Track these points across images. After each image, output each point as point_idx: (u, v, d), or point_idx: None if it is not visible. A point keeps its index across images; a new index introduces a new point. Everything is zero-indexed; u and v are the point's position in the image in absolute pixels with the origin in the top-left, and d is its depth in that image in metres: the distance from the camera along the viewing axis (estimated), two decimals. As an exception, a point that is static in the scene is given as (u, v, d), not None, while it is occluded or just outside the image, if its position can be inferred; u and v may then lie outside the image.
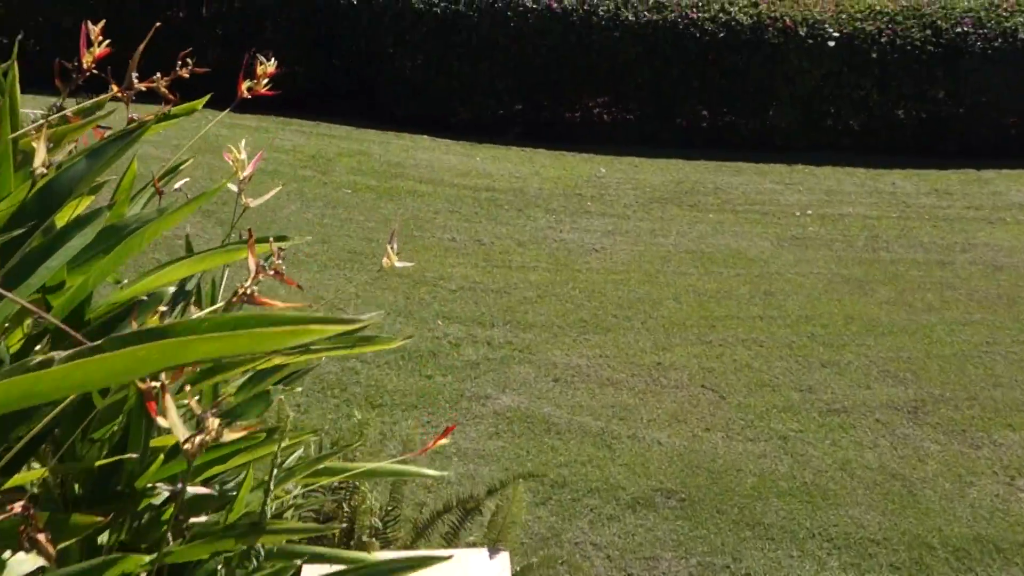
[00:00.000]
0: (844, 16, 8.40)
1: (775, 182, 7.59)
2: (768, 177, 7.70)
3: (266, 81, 1.85)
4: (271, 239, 1.52)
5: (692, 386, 4.31)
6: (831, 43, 8.27)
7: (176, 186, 1.74)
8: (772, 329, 4.95)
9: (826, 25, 8.31)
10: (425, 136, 7.92)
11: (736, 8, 8.31)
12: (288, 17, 7.95)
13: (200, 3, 7.86)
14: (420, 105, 8.32)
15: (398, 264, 1.85)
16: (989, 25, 8.42)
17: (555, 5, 8.11)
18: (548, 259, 5.57)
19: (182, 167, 1.92)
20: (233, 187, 1.70)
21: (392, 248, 1.86)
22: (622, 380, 4.30)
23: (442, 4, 8.03)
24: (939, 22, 8.43)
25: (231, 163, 1.78)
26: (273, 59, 1.82)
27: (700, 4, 8.31)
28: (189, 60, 1.41)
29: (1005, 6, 8.62)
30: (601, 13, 8.15)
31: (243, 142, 1.82)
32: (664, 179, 7.43)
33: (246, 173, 1.80)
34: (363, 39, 8.12)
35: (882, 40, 8.33)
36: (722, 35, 8.22)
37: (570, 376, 4.28)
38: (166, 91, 1.35)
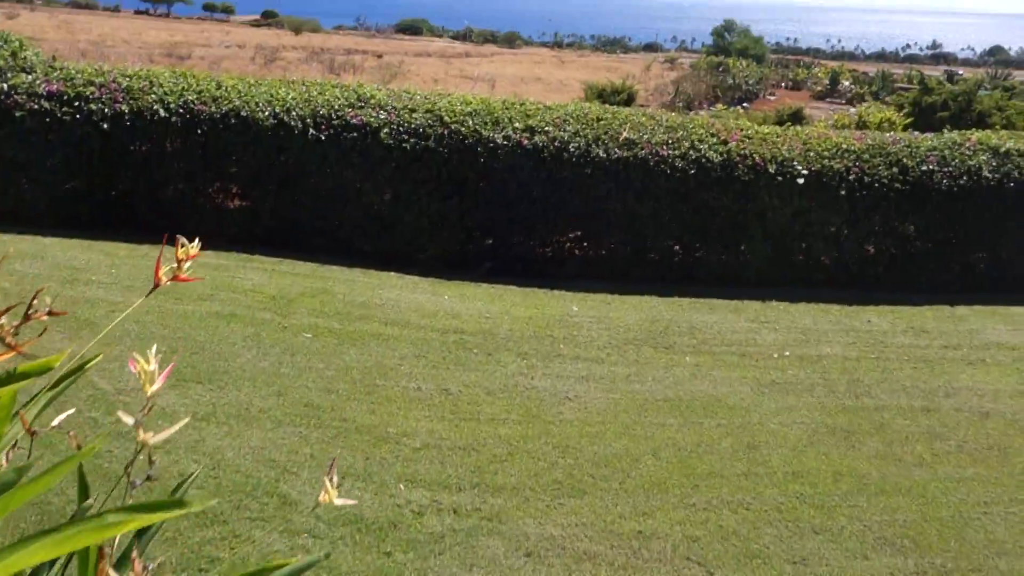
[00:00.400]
0: (812, 154, 8.46)
1: (750, 320, 7.41)
2: (743, 315, 7.54)
3: (186, 267, 1.59)
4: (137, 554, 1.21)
5: (676, 559, 3.95)
6: (800, 180, 8.29)
7: (55, 423, 1.42)
8: (758, 489, 4.63)
9: (795, 163, 8.34)
10: (392, 273, 7.71)
11: (706, 146, 8.33)
12: (254, 153, 7.82)
13: (163, 138, 7.72)
14: (388, 241, 8.15)
15: (338, 501, 1.54)
16: (954, 163, 8.51)
17: (526, 142, 8.08)
18: (519, 410, 5.26)
19: (90, 364, 1.60)
20: (128, 419, 1.39)
21: (331, 481, 1.56)
22: (600, 553, 3.93)
23: (412, 140, 7.97)
24: (905, 160, 8.51)
25: (137, 374, 1.48)
26: (195, 239, 1.56)
27: (670, 142, 8.33)
28: (48, 299, 1.14)
29: (968, 145, 8.74)
30: (572, 150, 8.13)
31: (149, 351, 1.53)
32: (638, 317, 7.23)
33: (154, 388, 1.51)
34: (331, 175, 8.00)
35: (850, 178, 8.37)
36: (693, 172, 8.22)
37: (543, 549, 3.91)
38: (12, 342, 1.07)
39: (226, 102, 7.78)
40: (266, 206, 8.06)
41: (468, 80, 40.72)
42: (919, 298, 8.34)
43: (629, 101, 27.30)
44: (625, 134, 8.36)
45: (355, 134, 7.89)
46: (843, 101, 43.05)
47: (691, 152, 8.29)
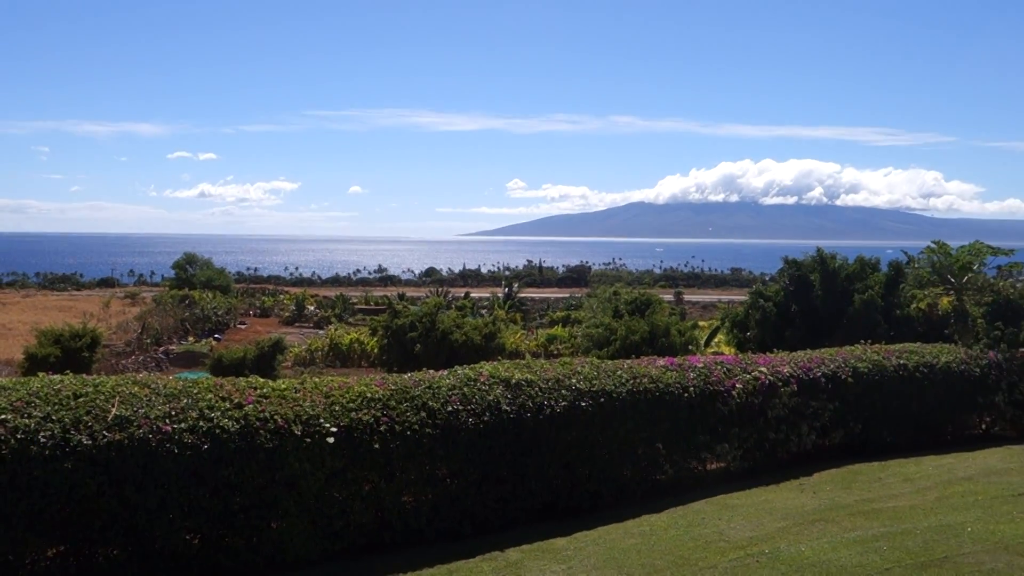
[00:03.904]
0: (338, 408, 7.68)
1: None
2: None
3: None
4: None
5: None
6: (331, 439, 7.41)
7: None
8: None
9: (321, 420, 7.47)
10: None
11: (218, 413, 7.05)
12: None
13: None
14: None
15: None
16: (475, 400, 8.42)
17: (-28, 439, 5.97)
18: None
19: None
20: None
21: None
22: None
23: None
24: (430, 403, 8.18)
25: None
26: None
27: (174, 413, 6.88)
28: None
29: (482, 380, 8.76)
30: (43, 440, 6.22)
31: None
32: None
33: None
34: None
35: (381, 429, 7.73)
36: (207, 447, 6.84)
37: None
38: None
39: None
40: None
41: None
42: (468, 545, 7.83)
43: (94, 345, 24.46)
44: (115, 411, 6.71)
45: None
46: (311, 325, 44.51)
47: (201, 423, 6.93)
